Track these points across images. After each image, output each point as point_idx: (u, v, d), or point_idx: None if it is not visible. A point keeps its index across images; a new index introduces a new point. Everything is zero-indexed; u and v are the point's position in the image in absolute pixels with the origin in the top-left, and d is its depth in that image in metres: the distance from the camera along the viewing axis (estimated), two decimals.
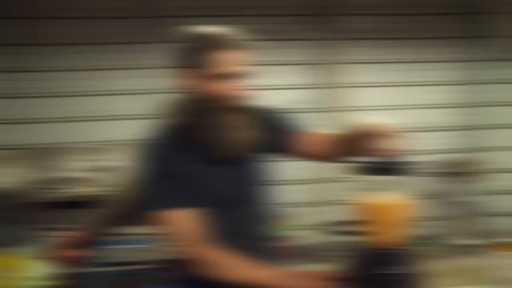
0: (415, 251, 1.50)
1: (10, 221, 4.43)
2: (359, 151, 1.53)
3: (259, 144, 1.73)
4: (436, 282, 1.57)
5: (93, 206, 3.68)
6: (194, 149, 1.65)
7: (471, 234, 5.41)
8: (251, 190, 1.76)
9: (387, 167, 1.43)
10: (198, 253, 1.58)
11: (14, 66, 5.05)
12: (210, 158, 1.65)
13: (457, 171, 5.21)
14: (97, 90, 5.17)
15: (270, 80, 5.33)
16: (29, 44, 5.06)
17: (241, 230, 1.70)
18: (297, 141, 1.83)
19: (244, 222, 1.72)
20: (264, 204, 1.81)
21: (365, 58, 5.52)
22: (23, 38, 5.05)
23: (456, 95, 5.73)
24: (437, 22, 5.63)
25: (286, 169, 5.16)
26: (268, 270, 1.57)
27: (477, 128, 5.77)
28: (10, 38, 5.03)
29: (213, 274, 1.56)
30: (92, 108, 5.18)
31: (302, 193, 5.49)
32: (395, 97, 5.61)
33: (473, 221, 5.59)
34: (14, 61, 5.04)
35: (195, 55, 1.59)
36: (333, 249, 4.89)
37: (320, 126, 1.88)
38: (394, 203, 1.45)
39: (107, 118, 5.15)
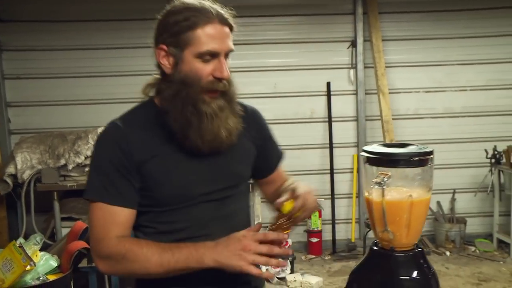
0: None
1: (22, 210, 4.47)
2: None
3: (241, 139, 1.58)
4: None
5: None
6: (162, 135, 1.52)
7: None
8: (224, 187, 1.58)
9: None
10: (109, 249, 1.47)
11: (30, 44, 5.03)
12: (180, 147, 1.51)
13: None
14: (121, 70, 5.12)
15: (301, 60, 5.22)
16: (47, 21, 5.03)
17: (207, 234, 1.52)
18: (269, 179, 1.77)
19: (212, 224, 1.55)
20: (240, 207, 1.66)
21: (409, 35, 5.29)
22: (42, 14, 5.01)
23: None
24: None
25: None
26: (182, 248, 1.43)
27: None
28: (27, 14, 5.00)
29: (128, 269, 1.48)
30: (115, 89, 5.11)
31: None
32: (442, 78, 5.37)
33: None
34: (32, 38, 5.02)
35: (176, 29, 1.45)
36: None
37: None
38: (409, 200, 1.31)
39: (133, 101, 5.08)
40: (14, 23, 5.00)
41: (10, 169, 4.37)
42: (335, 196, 5.34)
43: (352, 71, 5.25)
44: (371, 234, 3.92)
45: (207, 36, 1.43)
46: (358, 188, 5.36)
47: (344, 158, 5.34)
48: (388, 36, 5.21)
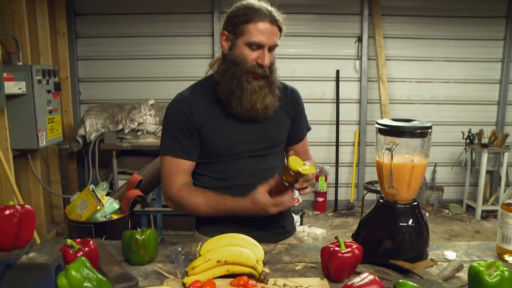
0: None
1: (91, 165, 4.58)
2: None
3: (279, 110, 1.65)
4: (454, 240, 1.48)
5: (157, 155, 3.70)
6: (217, 104, 1.59)
7: (492, 200, 5.17)
8: (264, 146, 1.65)
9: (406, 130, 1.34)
10: (172, 194, 1.61)
11: (97, 32, 5.09)
12: (228, 113, 1.59)
13: (486, 142, 4.92)
14: (168, 54, 5.16)
15: (316, 51, 5.21)
16: (111, 13, 5.07)
17: (251, 183, 1.57)
18: (294, 148, 1.78)
19: (254, 175, 1.62)
20: (277, 164, 1.72)
21: (405, 34, 5.23)
22: (106, 8, 5.07)
23: (491, 71, 5.36)
24: (476, 2, 5.20)
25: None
26: (220, 207, 1.55)
27: (509, 104, 5.42)
28: (96, 9, 5.06)
29: (185, 211, 1.63)
30: (161, 70, 5.18)
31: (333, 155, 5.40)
32: (430, 71, 5.33)
33: (496, 189, 5.34)
34: (99, 28, 5.08)
35: (236, 21, 1.52)
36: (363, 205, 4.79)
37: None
38: (411, 163, 1.35)
39: (176, 79, 5.12)
40: (86, 16, 5.07)
41: (81, 131, 4.47)
42: (339, 164, 5.38)
43: (357, 62, 5.23)
44: (367, 196, 4.01)
45: (257, 30, 1.50)
46: (358, 158, 5.40)
47: (348, 133, 5.35)
48: (388, 34, 5.17)
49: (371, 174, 5.39)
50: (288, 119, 1.73)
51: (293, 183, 1.45)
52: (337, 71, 5.23)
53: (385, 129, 1.37)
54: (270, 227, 1.69)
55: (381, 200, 1.44)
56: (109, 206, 2.71)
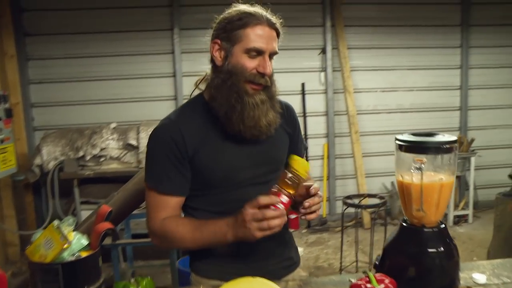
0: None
1: (51, 196, 4.24)
2: None
3: (278, 129, 1.45)
4: None
5: (122, 181, 3.45)
6: (211, 126, 1.39)
7: (462, 205, 5.21)
8: (266, 171, 1.46)
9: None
10: (155, 228, 1.41)
11: (50, 53, 4.75)
12: (226, 136, 1.39)
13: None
14: (127, 74, 4.89)
15: (279, 64, 5.11)
16: (64, 33, 4.75)
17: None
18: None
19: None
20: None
21: (368, 44, 5.24)
22: (60, 28, 4.75)
23: (451, 78, 5.45)
24: (432, 10, 5.29)
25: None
26: (209, 226, 1.32)
27: (470, 109, 5.51)
28: (48, 28, 4.73)
29: (171, 245, 1.46)
30: (121, 90, 4.89)
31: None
32: (395, 80, 5.35)
33: (464, 193, 5.39)
34: (52, 48, 4.74)
35: (230, 27, 1.35)
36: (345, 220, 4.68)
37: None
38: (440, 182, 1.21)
39: (138, 100, 4.87)
40: (37, 36, 4.72)
41: (37, 161, 4.12)
42: None
43: (322, 74, 5.16)
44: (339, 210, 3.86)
45: (255, 35, 1.33)
46: (328, 171, 5.30)
47: (317, 147, 5.24)
48: (352, 45, 5.15)
49: (342, 187, 5.31)
50: (287, 138, 1.56)
51: (291, 196, 1.28)
52: (302, 84, 5.14)
53: (407, 145, 1.23)
54: (277, 261, 1.51)
55: (404, 224, 1.29)
56: (76, 243, 2.43)
